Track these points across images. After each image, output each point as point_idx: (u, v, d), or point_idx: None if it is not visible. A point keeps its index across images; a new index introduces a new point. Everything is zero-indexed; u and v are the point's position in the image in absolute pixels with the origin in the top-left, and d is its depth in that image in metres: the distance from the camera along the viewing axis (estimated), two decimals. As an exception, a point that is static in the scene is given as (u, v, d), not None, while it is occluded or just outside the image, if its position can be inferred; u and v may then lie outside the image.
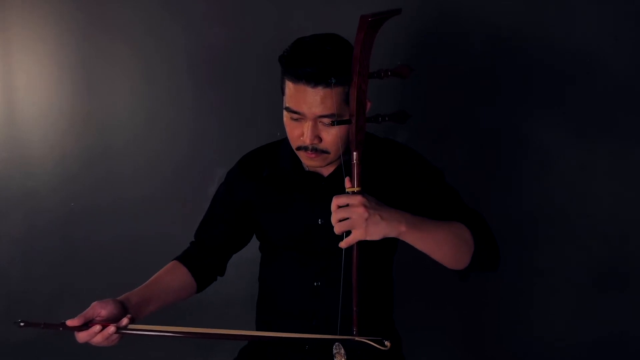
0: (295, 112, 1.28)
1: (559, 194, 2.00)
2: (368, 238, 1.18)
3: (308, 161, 1.35)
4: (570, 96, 1.95)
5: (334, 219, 1.17)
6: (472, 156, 2.02)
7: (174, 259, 1.52)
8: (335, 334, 1.31)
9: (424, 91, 1.98)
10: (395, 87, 1.88)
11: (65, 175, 2.12)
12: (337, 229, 1.17)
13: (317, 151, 1.31)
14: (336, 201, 1.17)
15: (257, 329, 1.55)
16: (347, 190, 1.20)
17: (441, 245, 1.28)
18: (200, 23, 2.04)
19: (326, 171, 1.43)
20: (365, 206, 1.16)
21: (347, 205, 1.16)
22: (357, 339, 1.24)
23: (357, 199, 1.16)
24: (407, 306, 1.72)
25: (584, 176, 1.98)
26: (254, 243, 1.59)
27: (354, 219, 1.16)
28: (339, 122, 1.21)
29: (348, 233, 1.18)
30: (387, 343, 1.23)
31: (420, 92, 1.97)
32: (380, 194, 1.35)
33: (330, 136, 1.29)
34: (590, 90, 1.94)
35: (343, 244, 1.18)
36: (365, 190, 1.20)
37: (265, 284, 1.54)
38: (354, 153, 1.20)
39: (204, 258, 1.52)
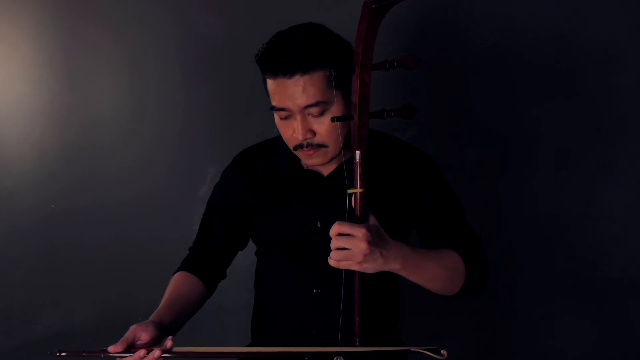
0: (281, 110, 1.29)
1: (576, 195, 1.99)
2: (362, 271, 1.19)
3: (308, 160, 1.34)
4: (587, 92, 1.95)
5: (333, 245, 1.16)
6: (484, 154, 2.01)
7: (180, 270, 1.53)
8: (337, 345, 1.31)
9: (433, 84, 1.96)
10: (402, 79, 1.87)
11: (46, 175, 2.10)
12: (334, 255, 1.16)
13: (313, 146, 1.31)
14: (338, 228, 1.15)
15: (253, 338, 1.56)
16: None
17: (433, 280, 1.33)
18: (191, 12, 2.02)
19: (326, 170, 1.42)
20: (368, 242, 1.14)
21: (349, 235, 1.15)
22: (412, 349, 1.24)
23: (362, 232, 1.14)
24: (415, 316, 1.71)
25: (602, 176, 1.97)
26: (251, 247, 1.59)
27: (353, 252, 1.15)
28: (340, 119, 1.21)
29: None
30: (443, 352, 1.22)
31: (429, 85, 1.96)
32: (381, 196, 1.36)
33: (324, 127, 1.29)
34: (607, 85, 1.94)
35: (332, 262, 1.17)
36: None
37: (261, 290, 1.54)
38: (357, 152, 1.19)
39: (209, 263, 1.55)
